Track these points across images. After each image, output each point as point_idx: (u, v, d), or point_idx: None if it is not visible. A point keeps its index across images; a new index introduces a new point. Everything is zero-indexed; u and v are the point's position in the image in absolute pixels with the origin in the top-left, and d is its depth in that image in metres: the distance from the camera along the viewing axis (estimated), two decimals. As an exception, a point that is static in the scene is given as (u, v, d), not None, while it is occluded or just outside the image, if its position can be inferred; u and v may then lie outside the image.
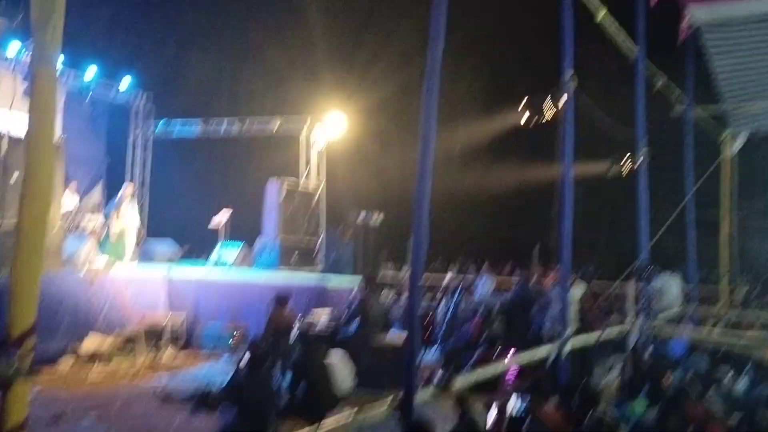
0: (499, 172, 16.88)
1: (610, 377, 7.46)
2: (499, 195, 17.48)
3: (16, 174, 9.56)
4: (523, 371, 6.69)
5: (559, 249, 7.28)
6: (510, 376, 7.74)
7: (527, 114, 8.98)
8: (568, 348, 6.84)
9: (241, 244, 13.89)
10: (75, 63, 14.58)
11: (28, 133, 2.47)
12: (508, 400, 5.13)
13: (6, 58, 11.94)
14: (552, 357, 6.87)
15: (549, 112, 8.24)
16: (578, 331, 7.96)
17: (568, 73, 6.84)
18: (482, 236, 17.87)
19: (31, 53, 2.80)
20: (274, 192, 13.93)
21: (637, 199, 9.86)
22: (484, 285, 11.76)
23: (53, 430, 6.72)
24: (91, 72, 14.68)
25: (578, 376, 6.80)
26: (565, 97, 6.71)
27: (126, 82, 15.69)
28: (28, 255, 2.48)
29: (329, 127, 15.33)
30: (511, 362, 6.68)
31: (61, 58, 14.06)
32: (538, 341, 8.13)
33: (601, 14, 8.01)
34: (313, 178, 15.46)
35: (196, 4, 19.41)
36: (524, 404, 4.97)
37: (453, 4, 4.43)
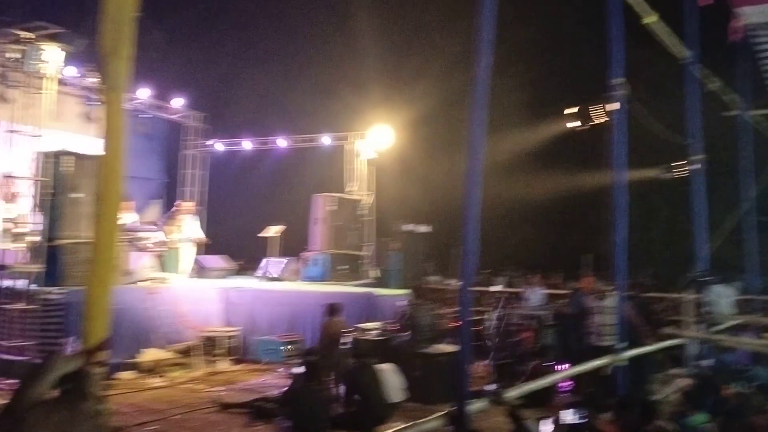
0: (546, 180, 16.71)
1: (668, 389, 7.31)
2: (547, 203, 17.29)
3: (79, 193, 9.99)
4: (578, 383, 6.61)
5: (614, 258, 7.16)
6: (564, 388, 7.65)
7: (575, 121, 8.87)
8: (623, 359, 6.72)
9: (289, 258, 14.14)
10: (131, 85, 15.14)
11: (101, 155, 2.63)
12: (562, 412, 5.09)
13: (68, 84, 12.47)
14: (607, 368, 6.77)
15: (598, 119, 8.12)
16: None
17: (618, 78, 6.77)
18: (531, 245, 17.68)
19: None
20: (320, 206, 14.16)
21: (693, 206, 9.65)
22: (535, 295, 11.66)
23: (116, 440, 6.95)
24: (146, 94, 15.23)
25: (635, 388, 6.69)
26: (614, 104, 6.64)
27: (179, 103, 16.22)
28: (102, 272, 2.63)
29: (376, 141, 15.52)
30: (565, 374, 6.61)
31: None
32: (594, 352, 8.01)
33: (650, 18, 7.90)
34: (360, 190, 15.64)
35: (245, 26, 19.89)
36: (579, 417, 4.92)
37: (500, 12, 4.43)
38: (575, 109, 9.31)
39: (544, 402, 6.43)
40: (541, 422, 5.27)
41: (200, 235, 13.22)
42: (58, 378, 0.60)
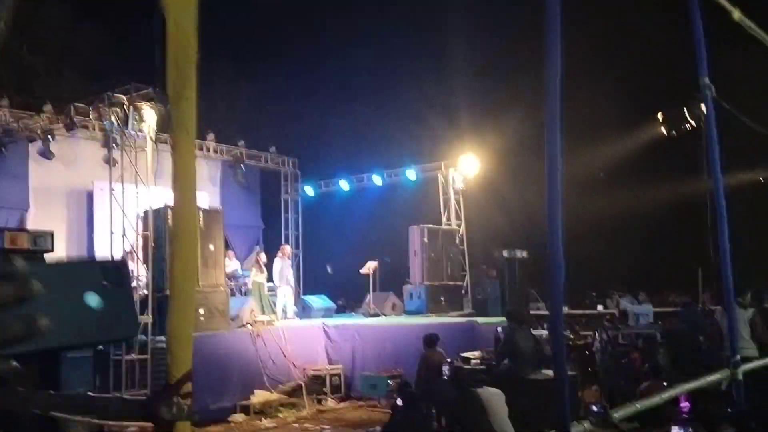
0: (648, 194, 16.01)
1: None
2: (651, 216, 16.53)
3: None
4: (694, 399, 6.19)
5: (719, 268, 6.70)
6: (681, 405, 7.19)
7: (668, 127, 8.45)
8: (741, 372, 6.23)
9: (390, 292, 14.22)
10: (227, 138, 15.97)
11: (174, 196, 2.75)
12: (673, 428, 4.78)
13: (165, 141, 13.20)
14: (725, 383, 6.29)
15: (684, 124, 7.69)
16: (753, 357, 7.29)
17: (704, 79, 6.41)
18: (638, 263, 16.91)
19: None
20: (416, 238, 14.20)
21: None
22: (643, 314, 11.10)
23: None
24: (241, 145, 15.97)
25: (758, 403, 6.17)
26: (701, 106, 6.29)
27: (273, 150, 16.91)
28: (180, 309, 2.73)
29: (465, 170, 15.48)
30: (674, 391, 6.21)
31: (213, 136, 15.54)
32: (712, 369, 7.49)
33: (737, 14, 7.46)
34: (453, 221, 15.58)
35: (333, 73, 20.55)
36: (691, 432, 4.61)
37: (573, 22, 4.32)
38: (666, 115, 8.87)
39: (658, 424, 6.05)
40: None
41: (291, 278, 13.61)
42: None
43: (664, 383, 8.24)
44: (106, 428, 8.78)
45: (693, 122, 7.32)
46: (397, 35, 19.84)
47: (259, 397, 10.48)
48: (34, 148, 12.74)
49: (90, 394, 3.55)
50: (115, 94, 10.74)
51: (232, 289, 12.46)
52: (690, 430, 4.61)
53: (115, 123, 10.81)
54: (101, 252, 13.16)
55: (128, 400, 2.97)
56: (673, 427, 4.77)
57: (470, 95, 18.91)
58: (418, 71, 19.28)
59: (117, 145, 10.99)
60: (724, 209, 6.60)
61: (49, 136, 12.35)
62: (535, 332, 9.17)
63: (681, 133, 7.91)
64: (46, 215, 12.77)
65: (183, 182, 2.86)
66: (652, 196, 15.86)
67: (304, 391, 10.77)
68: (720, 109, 6.75)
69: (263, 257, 13.23)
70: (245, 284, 13.16)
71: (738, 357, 6.42)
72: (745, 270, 6.95)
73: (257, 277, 12.78)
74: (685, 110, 7.72)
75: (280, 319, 12.56)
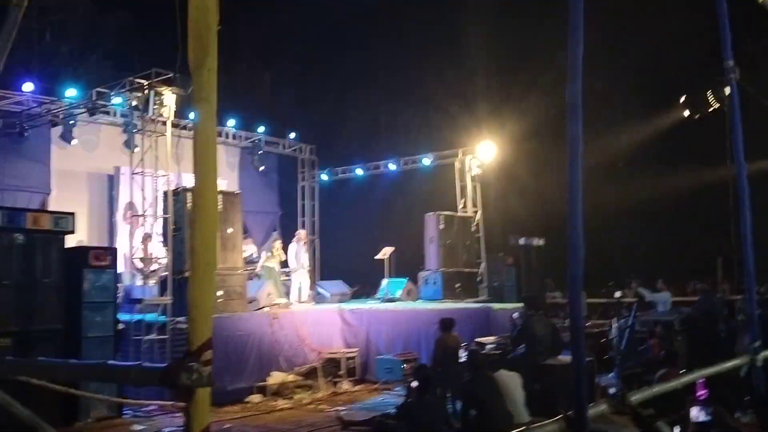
0: (669, 179, 15.83)
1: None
2: (673, 204, 16.35)
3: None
4: (711, 384, 6.15)
5: (742, 256, 6.62)
6: (699, 391, 7.15)
7: (691, 110, 8.28)
8: (759, 359, 6.17)
9: (405, 279, 14.23)
10: (246, 125, 16.04)
11: (195, 166, 2.79)
12: (691, 410, 4.75)
13: (182, 126, 13.28)
14: (745, 368, 6.23)
15: (707, 107, 7.54)
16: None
17: (729, 62, 6.31)
18: (658, 251, 16.76)
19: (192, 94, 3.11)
20: (432, 225, 14.19)
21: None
22: (661, 302, 11.03)
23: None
24: (261, 131, 16.04)
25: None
26: (725, 89, 6.19)
27: (291, 137, 16.98)
28: (201, 280, 2.79)
29: (482, 157, 15.42)
30: (693, 376, 6.17)
31: (233, 122, 15.60)
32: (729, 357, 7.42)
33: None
34: (470, 208, 15.54)
35: (351, 54, 20.52)
36: (708, 414, 4.58)
37: (596, 5, 4.27)
38: (690, 99, 8.70)
39: (675, 409, 6.01)
40: (675, 428, 4.94)
41: (307, 263, 13.69)
42: None
43: (682, 371, 8.21)
44: (126, 406, 8.95)
45: (717, 104, 7.20)
46: (415, 22, 19.75)
47: (275, 378, 10.57)
48: (56, 133, 12.88)
49: (111, 362, 3.57)
50: (137, 79, 10.81)
51: (251, 273, 12.55)
52: (711, 410, 4.58)
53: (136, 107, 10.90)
54: (123, 237, 13.33)
55: (148, 367, 2.99)
56: (692, 409, 4.74)
57: (488, 82, 18.80)
58: (435, 58, 19.20)
59: (137, 129, 11.08)
60: (746, 195, 6.51)
61: (70, 121, 12.48)
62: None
63: (704, 116, 7.77)
64: (68, 198, 12.93)
65: (205, 151, 2.88)
66: (672, 182, 15.69)
67: (319, 374, 10.84)
68: (744, 93, 6.67)
69: (278, 243, 13.32)
70: (261, 267, 13.25)
71: (758, 343, 6.37)
72: (766, 257, 6.87)
73: (268, 262, 12.87)
74: (709, 94, 7.58)
75: (293, 302, 12.67)
